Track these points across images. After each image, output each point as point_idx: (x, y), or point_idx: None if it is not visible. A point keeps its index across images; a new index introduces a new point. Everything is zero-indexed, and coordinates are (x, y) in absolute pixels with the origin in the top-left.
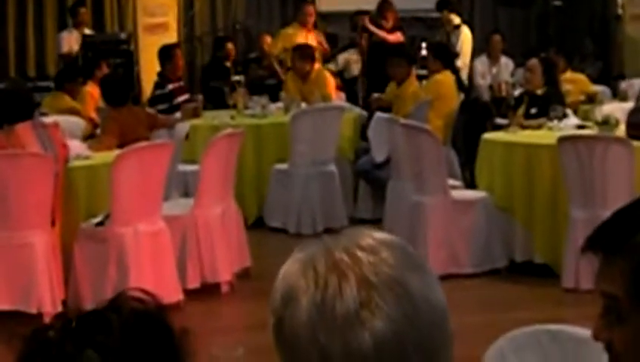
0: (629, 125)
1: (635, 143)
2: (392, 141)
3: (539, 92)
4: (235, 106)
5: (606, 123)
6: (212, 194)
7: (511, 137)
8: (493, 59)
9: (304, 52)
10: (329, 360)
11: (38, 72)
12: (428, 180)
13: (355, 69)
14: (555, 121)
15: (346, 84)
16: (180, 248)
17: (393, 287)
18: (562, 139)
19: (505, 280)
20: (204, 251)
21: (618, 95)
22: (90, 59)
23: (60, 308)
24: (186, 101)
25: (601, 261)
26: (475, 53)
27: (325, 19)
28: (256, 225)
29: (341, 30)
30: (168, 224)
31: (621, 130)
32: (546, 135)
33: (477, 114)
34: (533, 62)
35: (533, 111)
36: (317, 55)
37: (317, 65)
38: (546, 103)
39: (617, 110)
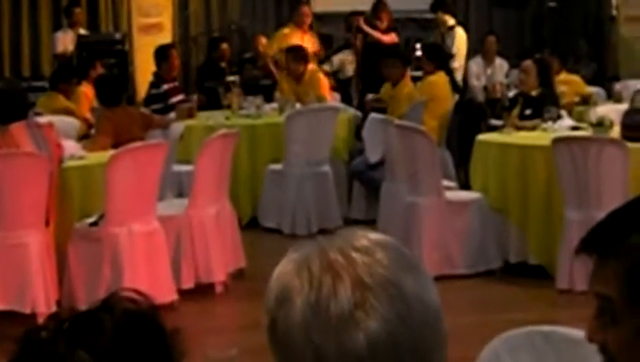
0: (624, 126)
1: (630, 145)
2: (386, 142)
3: (533, 93)
4: (229, 107)
5: (600, 124)
6: (206, 194)
7: (505, 138)
8: (488, 61)
9: (297, 53)
10: (323, 360)
11: (33, 72)
12: (422, 181)
13: (350, 69)
14: (550, 123)
15: (341, 85)
16: (174, 248)
17: (387, 288)
18: (557, 141)
19: (499, 281)
20: (198, 251)
21: (613, 96)
22: (85, 59)
23: (54, 308)
24: (180, 101)
25: (595, 262)
26: (470, 54)
27: (320, 19)
28: (250, 225)
29: (336, 31)
30: (163, 224)
31: (616, 132)
32: (540, 136)
33: (471, 115)
34: (528, 63)
35: (527, 112)
36: (311, 56)
37: (311, 67)
38: (541, 104)
39: (612, 111)
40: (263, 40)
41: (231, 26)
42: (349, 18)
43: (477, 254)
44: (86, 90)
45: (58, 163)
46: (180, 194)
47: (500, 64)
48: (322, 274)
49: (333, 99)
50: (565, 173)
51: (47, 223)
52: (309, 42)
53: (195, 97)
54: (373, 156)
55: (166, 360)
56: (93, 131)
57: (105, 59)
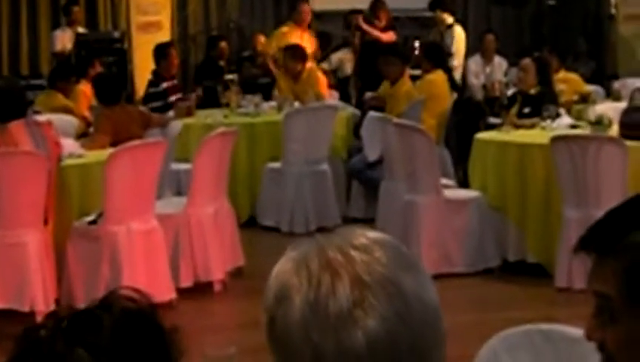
0: (622, 125)
1: (628, 143)
2: (384, 140)
3: (532, 91)
4: (228, 105)
5: (599, 123)
6: (205, 192)
7: (504, 137)
8: (487, 59)
9: (295, 52)
10: (322, 358)
11: (32, 71)
12: (421, 179)
13: (349, 68)
14: (549, 121)
15: (340, 84)
16: (172, 247)
17: (386, 286)
18: (555, 139)
19: (498, 280)
20: (196, 250)
21: (611, 95)
22: (84, 57)
23: (52, 307)
24: (179, 100)
25: (593, 261)
26: (469, 52)
27: (319, 18)
28: (248, 223)
29: (334, 29)
30: (161, 223)
31: (614, 130)
32: (539, 134)
33: (470, 113)
34: (527, 61)
35: (526, 110)
36: (310, 55)
37: (309, 65)
38: (539, 103)
39: (610, 110)
40: (262, 38)
41: (230, 25)
42: (347, 16)
43: (476, 253)
44: (85, 88)
45: (57, 161)
46: (179, 193)
47: (499, 62)
48: (321, 272)
49: (331, 97)
50: (564, 172)
51: (45, 222)
52: (308, 41)
53: (193, 96)
54: (371, 154)
55: (164, 358)
56: (91, 130)
57: (103, 57)
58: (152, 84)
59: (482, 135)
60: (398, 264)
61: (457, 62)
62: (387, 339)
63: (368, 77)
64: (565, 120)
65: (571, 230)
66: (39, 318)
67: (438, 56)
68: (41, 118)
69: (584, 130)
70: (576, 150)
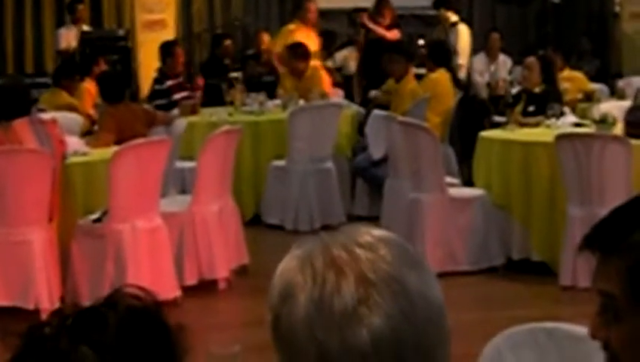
0: (627, 123)
1: (633, 141)
2: (389, 138)
3: (536, 90)
4: (232, 103)
5: (603, 121)
6: (209, 190)
7: (508, 135)
8: (492, 57)
9: (298, 50)
10: (327, 356)
11: (36, 69)
12: (425, 178)
13: (353, 66)
14: (553, 119)
15: (344, 81)
16: (177, 245)
17: (391, 284)
18: (560, 137)
19: (502, 278)
20: (201, 248)
21: (616, 93)
22: (88, 55)
23: (57, 305)
24: (184, 98)
25: (598, 259)
26: (474, 50)
27: (323, 16)
28: (253, 221)
29: (339, 27)
30: (166, 221)
31: (619, 129)
32: (543, 133)
33: (475, 111)
34: (531, 60)
35: (530, 109)
36: (314, 54)
37: (312, 63)
38: (544, 101)
39: (615, 108)
40: (266, 38)
41: (234, 23)
42: (352, 14)
43: (480, 251)
44: (89, 86)
45: (61, 159)
46: (183, 191)
47: (504, 61)
48: (326, 270)
49: (336, 95)
50: (568, 170)
51: (50, 220)
52: (314, 39)
53: (198, 94)
54: (376, 153)
55: (169, 356)
56: (96, 127)
57: (108, 55)
58: (157, 81)
59: (487, 133)
60: (403, 262)
61: (462, 60)
62: (392, 337)
63: (372, 75)
64: (570, 118)
65: (576, 228)
66: (44, 316)
67: (441, 54)
68: (46, 115)
69: (588, 129)
70: (580, 148)
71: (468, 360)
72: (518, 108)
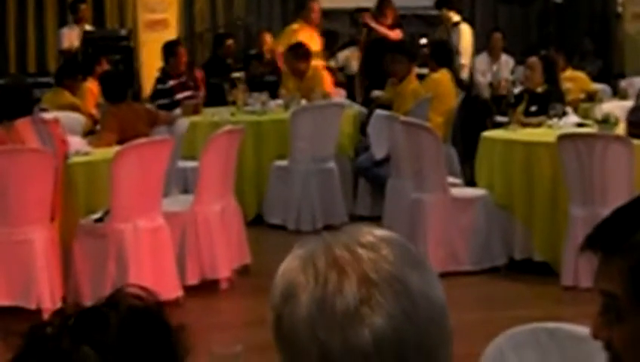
0: (629, 123)
1: (635, 142)
2: (391, 138)
3: (539, 90)
4: (235, 103)
5: (606, 121)
6: (212, 190)
7: (511, 135)
8: (494, 57)
9: (298, 51)
10: (328, 356)
11: (39, 68)
12: (427, 178)
13: (355, 66)
14: (555, 119)
15: (347, 81)
16: (179, 244)
17: (393, 284)
18: (562, 137)
19: (504, 278)
20: (203, 247)
21: (618, 93)
22: (91, 55)
23: (59, 304)
24: (187, 98)
25: (600, 259)
26: (476, 50)
27: (326, 16)
28: (255, 221)
29: (341, 27)
30: (168, 220)
31: (621, 129)
32: (545, 133)
33: (477, 111)
34: (534, 60)
35: (533, 109)
36: (319, 52)
37: (314, 63)
38: (546, 101)
39: (617, 108)
40: (268, 38)
41: (236, 23)
42: (354, 14)
43: (482, 251)
44: (91, 86)
45: (63, 159)
46: (185, 191)
47: (506, 61)
48: (328, 270)
49: (338, 95)
50: (570, 170)
51: (52, 219)
52: (317, 38)
53: (201, 93)
54: (378, 153)
55: (171, 356)
56: (98, 127)
57: (110, 55)
58: (159, 81)
59: (489, 133)
60: (405, 262)
61: (465, 60)
62: (394, 337)
63: (374, 75)
64: (572, 118)
65: (578, 228)
66: (46, 316)
67: (443, 54)
68: (48, 115)
69: (591, 129)
70: (582, 148)
71: (470, 360)
72: (521, 108)
